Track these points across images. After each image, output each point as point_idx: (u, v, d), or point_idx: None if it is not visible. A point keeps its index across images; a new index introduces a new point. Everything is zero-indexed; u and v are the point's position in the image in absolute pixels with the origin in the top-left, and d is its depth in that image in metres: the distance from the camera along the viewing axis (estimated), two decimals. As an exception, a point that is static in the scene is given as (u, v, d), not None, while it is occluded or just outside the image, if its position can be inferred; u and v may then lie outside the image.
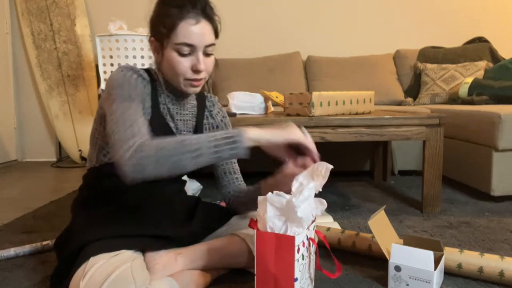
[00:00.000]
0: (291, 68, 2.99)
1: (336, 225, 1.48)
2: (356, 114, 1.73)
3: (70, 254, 0.96)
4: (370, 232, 1.16)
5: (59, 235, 1.08)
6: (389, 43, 3.19)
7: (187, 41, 0.92)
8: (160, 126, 1.02)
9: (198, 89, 1.00)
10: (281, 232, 0.85)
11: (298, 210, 0.83)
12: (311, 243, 0.94)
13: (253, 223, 0.89)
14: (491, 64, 2.77)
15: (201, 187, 2.04)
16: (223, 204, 1.73)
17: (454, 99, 2.66)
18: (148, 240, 0.99)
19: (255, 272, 0.87)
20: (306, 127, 1.62)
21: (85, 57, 3.06)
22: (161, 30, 0.94)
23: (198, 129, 1.13)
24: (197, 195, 1.89)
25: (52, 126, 3.17)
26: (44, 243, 1.31)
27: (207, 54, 0.96)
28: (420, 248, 0.99)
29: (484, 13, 3.21)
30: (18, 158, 3.29)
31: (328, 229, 1.30)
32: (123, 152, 0.80)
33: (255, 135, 0.86)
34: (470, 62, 2.82)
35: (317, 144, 2.48)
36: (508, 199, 1.85)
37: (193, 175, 2.21)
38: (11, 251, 1.26)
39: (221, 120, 1.21)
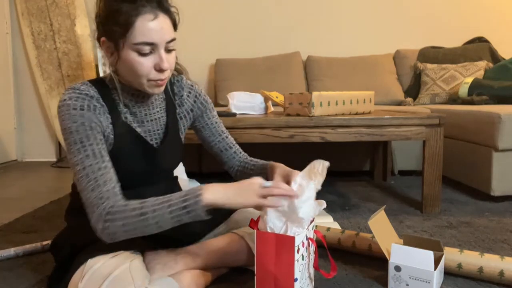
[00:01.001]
0: (291, 68, 2.99)
1: (336, 225, 1.48)
2: (356, 114, 1.73)
3: (68, 255, 0.95)
4: (370, 232, 1.16)
5: (54, 238, 1.06)
6: (389, 43, 3.19)
7: (146, 39, 0.83)
8: (128, 137, 0.95)
9: (163, 88, 0.92)
10: (281, 232, 0.85)
11: (300, 211, 0.83)
12: (311, 243, 0.94)
13: (253, 223, 0.89)
14: (491, 64, 2.77)
15: (201, 187, 2.04)
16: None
17: (454, 99, 2.66)
18: (147, 240, 0.99)
19: (255, 272, 0.87)
20: (306, 127, 1.63)
21: (85, 57, 3.06)
22: (114, 29, 0.83)
23: (170, 125, 1.04)
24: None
25: (52, 126, 3.17)
26: (44, 243, 1.31)
27: (168, 50, 0.89)
28: (420, 248, 1.00)
29: (484, 13, 3.21)
30: (18, 158, 3.29)
31: (328, 229, 1.30)
32: (94, 222, 0.83)
33: (212, 198, 0.81)
34: (470, 62, 2.82)
35: (317, 144, 2.46)
36: (508, 199, 1.85)
37: (193, 175, 2.21)
38: (11, 251, 1.26)
39: (194, 102, 1.10)
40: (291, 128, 1.62)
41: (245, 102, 1.92)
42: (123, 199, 0.85)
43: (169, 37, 0.87)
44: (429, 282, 0.96)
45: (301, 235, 0.85)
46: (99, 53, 2.19)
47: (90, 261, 0.88)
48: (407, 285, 0.99)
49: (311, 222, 0.92)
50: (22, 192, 2.21)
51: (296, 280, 0.85)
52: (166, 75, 0.90)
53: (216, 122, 1.15)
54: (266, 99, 1.96)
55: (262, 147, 2.41)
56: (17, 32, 3.19)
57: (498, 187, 1.78)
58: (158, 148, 1.02)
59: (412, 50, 3.07)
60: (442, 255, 1.04)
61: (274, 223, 0.85)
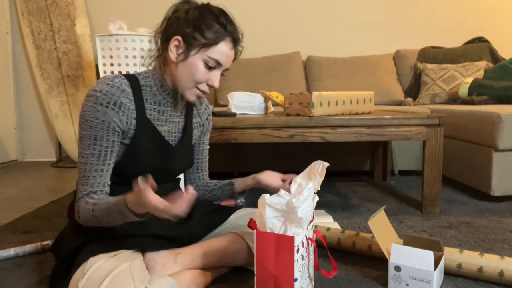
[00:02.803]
0: (291, 68, 2.99)
1: (336, 225, 1.48)
2: (356, 114, 1.73)
3: (69, 254, 0.96)
4: (370, 232, 1.16)
5: (55, 237, 1.08)
6: (389, 43, 3.20)
7: (219, 59, 0.98)
8: (148, 133, 1.01)
9: (198, 101, 1.05)
10: (281, 232, 0.85)
11: (299, 211, 0.83)
12: (310, 243, 0.94)
13: (252, 223, 0.89)
14: (491, 64, 2.77)
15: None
16: (222, 203, 1.73)
17: (454, 99, 2.66)
18: (148, 240, 0.99)
19: (255, 272, 0.87)
20: (306, 127, 1.63)
21: (85, 57, 3.06)
22: (197, 37, 0.95)
23: (187, 129, 1.12)
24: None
25: (52, 126, 3.17)
26: (44, 243, 1.31)
27: (221, 74, 1.03)
28: (420, 248, 1.00)
29: (484, 13, 3.21)
30: (18, 158, 3.29)
31: (328, 229, 1.30)
32: (76, 210, 0.94)
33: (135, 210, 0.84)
34: (470, 62, 2.82)
35: (317, 144, 2.48)
36: (508, 199, 1.85)
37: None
38: (11, 251, 1.26)
39: (206, 119, 1.23)
40: (291, 128, 1.62)
41: (245, 102, 1.92)
42: (92, 199, 0.93)
43: (229, 66, 1.03)
44: (429, 282, 0.96)
45: (301, 235, 0.85)
46: (99, 53, 2.19)
47: (91, 260, 0.89)
48: (407, 285, 0.99)
49: (310, 222, 0.92)
50: (22, 192, 2.21)
51: (296, 280, 0.85)
52: (209, 91, 1.03)
53: (208, 146, 1.28)
54: (266, 99, 1.96)
55: (262, 147, 2.41)
56: (17, 32, 3.19)
57: (498, 187, 1.78)
58: (175, 147, 1.07)
59: (412, 50, 3.07)
60: (442, 255, 1.04)
61: (273, 223, 0.85)
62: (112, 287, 0.82)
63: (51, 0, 3.03)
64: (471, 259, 1.06)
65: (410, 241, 1.10)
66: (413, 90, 2.93)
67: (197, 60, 0.97)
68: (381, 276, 1.09)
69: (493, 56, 2.90)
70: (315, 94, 1.59)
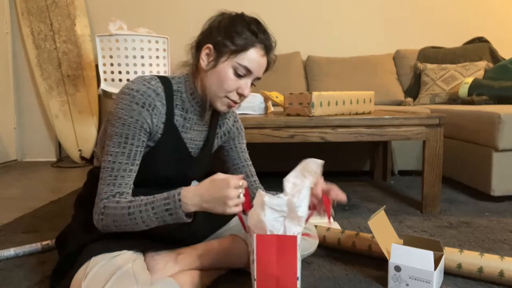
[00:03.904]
0: (291, 68, 2.99)
1: (336, 225, 1.48)
2: (356, 114, 1.73)
3: (71, 253, 0.96)
4: (370, 232, 1.16)
5: (60, 232, 1.08)
6: (389, 43, 3.19)
7: (249, 66, 0.95)
8: (172, 139, 1.01)
9: (229, 110, 1.02)
10: (280, 233, 0.85)
11: (299, 210, 0.83)
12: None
13: (248, 229, 0.89)
14: (491, 64, 2.77)
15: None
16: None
17: (454, 99, 2.66)
18: (149, 240, 0.99)
19: (255, 276, 0.87)
20: (306, 127, 1.63)
21: (85, 57, 3.06)
22: (228, 45, 0.94)
23: (209, 139, 1.10)
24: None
25: (52, 126, 3.17)
26: (44, 243, 1.31)
27: (252, 84, 1.00)
28: (420, 248, 1.00)
29: (484, 13, 3.21)
30: (18, 158, 3.29)
31: (328, 229, 1.30)
32: (94, 211, 0.91)
33: (190, 206, 0.86)
34: (470, 62, 2.82)
35: (317, 144, 2.46)
36: (508, 199, 1.85)
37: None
38: (11, 251, 1.26)
39: (233, 125, 1.18)
40: (291, 128, 1.62)
41: (245, 102, 1.92)
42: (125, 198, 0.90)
43: (261, 75, 1.00)
44: (429, 282, 0.96)
45: (300, 234, 0.86)
46: (99, 53, 2.19)
47: (93, 260, 0.89)
48: (407, 285, 0.99)
49: (307, 220, 0.92)
50: (22, 192, 2.21)
51: (298, 279, 0.85)
52: (240, 100, 1.00)
53: (245, 149, 1.22)
54: (266, 99, 1.96)
55: (262, 147, 2.41)
56: (17, 32, 3.19)
57: (498, 187, 1.78)
58: (195, 157, 1.07)
59: (412, 50, 3.07)
60: (442, 255, 1.04)
61: (273, 225, 0.85)
62: (115, 288, 0.82)
63: (51, 0, 3.03)
64: (471, 259, 1.06)
65: (410, 241, 1.10)
66: (413, 90, 2.93)
67: (226, 67, 0.95)
68: (381, 276, 1.09)
69: (493, 56, 2.90)
70: (315, 94, 1.59)
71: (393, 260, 1.01)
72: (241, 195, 0.85)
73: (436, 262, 1.01)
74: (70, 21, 3.05)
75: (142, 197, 0.89)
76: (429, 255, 0.96)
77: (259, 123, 1.62)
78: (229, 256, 1.04)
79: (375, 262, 1.18)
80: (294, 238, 0.83)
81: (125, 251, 0.93)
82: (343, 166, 2.43)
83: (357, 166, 2.45)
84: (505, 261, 1.03)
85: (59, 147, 3.27)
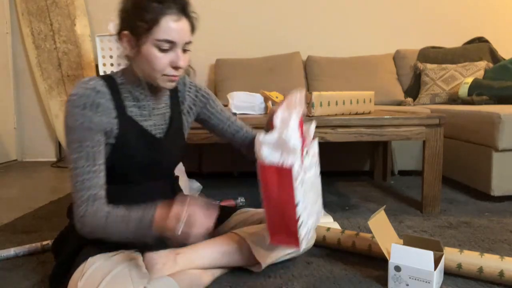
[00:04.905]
0: (291, 68, 2.99)
1: (336, 225, 1.48)
2: (356, 114, 1.73)
3: (69, 254, 0.96)
4: (370, 232, 1.16)
5: (55, 238, 1.08)
6: (389, 43, 3.19)
7: (168, 37, 0.90)
8: (132, 131, 0.98)
9: (174, 84, 0.98)
10: (279, 164, 0.91)
11: (290, 141, 0.89)
12: (312, 157, 1.04)
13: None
14: (491, 64, 2.77)
15: (201, 187, 2.04)
16: (222, 203, 1.73)
17: (454, 99, 2.66)
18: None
19: (263, 204, 0.94)
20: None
21: (85, 57, 3.06)
22: (140, 25, 0.90)
23: (173, 119, 1.08)
24: (197, 195, 1.89)
25: (52, 126, 3.17)
26: (44, 243, 1.31)
27: (184, 51, 0.95)
28: (420, 248, 0.99)
29: (484, 13, 3.21)
30: (18, 158, 3.29)
31: (328, 229, 1.30)
32: (76, 219, 0.90)
33: (161, 232, 0.85)
34: (470, 62, 2.82)
35: (317, 144, 2.45)
36: (508, 199, 1.85)
37: (193, 175, 2.21)
38: (11, 251, 1.26)
39: (196, 96, 1.14)
40: (291, 128, 1.62)
41: (245, 102, 1.92)
42: (103, 204, 0.90)
43: (187, 39, 0.94)
44: (429, 282, 0.96)
45: (297, 164, 0.91)
46: (99, 53, 2.19)
47: (90, 260, 0.89)
48: (407, 285, 0.99)
49: (304, 143, 0.97)
50: (22, 192, 2.21)
51: (297, 204, 0.92)
52: (180, 72, 0.95)
53: (222, 110, 1.19)
54: (266, 99, 1.96)
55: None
56: (17, 32, 3.19)
57: (498, 187, 1.78)
58: (162, 140, 1.04)
59: (412, 50, 3.07)
60: (442, 255, 1.04)
61: (271, 157, 0.91)
62: (110, 287, 0.82)
63: (51, 0, 3.03)
64: (471, 259, 1.06)
65: (410, 241, 1.10)
66: (413, 90, 2.92)
67: (149, 48, 0.90)
68: (381, 276, 1.09)
69: (493, 56, 2.90)
70: (315, 94, 1.59)
71: (393, 260, 1.01)
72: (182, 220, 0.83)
73: (436, 262, 1.01)
74: (70, 21, 3.05)
75: (118, 211, 0.88)
76: (429, 255, 0.96)
77: (259, 123, 1.62)
78: (228, 254, 1.04)
79: (375, 262, 1.18)
80: (289, 169, 0.89)
81: (122, 251, 0.93)
82: (343, 166, 2.43)
83: (357, 166, 2.45)
84: (505, 261, 1.03)
85: (59, 147, 3.27)
